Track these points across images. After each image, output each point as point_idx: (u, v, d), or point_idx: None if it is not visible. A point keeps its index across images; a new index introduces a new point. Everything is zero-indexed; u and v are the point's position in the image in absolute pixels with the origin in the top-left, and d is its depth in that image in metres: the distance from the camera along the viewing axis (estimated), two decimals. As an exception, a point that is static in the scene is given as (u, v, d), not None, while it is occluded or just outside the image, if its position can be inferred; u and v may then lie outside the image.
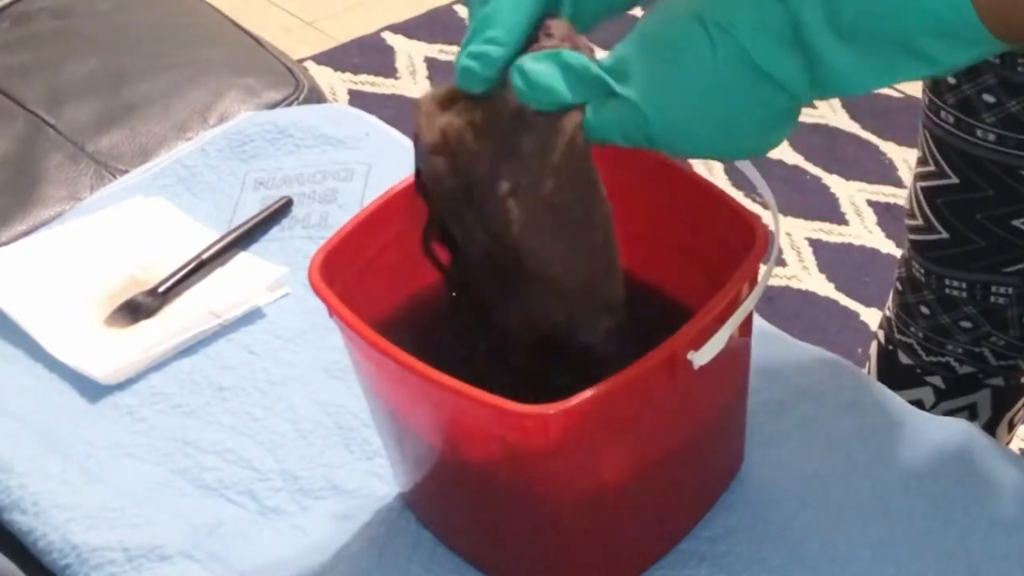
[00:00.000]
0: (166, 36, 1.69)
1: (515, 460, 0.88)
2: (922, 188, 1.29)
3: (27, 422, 1.08)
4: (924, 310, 1.34)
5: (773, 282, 2.15)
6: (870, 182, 2.40)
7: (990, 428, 1.40)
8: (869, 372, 1.43)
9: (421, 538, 1.00)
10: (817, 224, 2.31)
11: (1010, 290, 1.29)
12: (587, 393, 0.82)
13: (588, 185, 0.84)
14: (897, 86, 2.59)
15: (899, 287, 1.36)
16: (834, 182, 2.40)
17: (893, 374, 1.38)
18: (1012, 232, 1.24)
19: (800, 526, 1.00)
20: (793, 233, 2.28)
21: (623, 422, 0.87)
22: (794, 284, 2.21)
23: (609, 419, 0.86)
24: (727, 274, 0.88)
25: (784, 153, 2.44)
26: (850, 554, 0.98)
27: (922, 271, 1.32)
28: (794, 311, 2.14)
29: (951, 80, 1.21)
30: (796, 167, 2.41)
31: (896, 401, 1.10)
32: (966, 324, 1.32)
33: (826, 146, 2.47)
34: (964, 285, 1.30)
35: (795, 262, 2.24)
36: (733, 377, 0.97)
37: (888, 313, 1.40)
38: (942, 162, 1.25)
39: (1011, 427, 1.43)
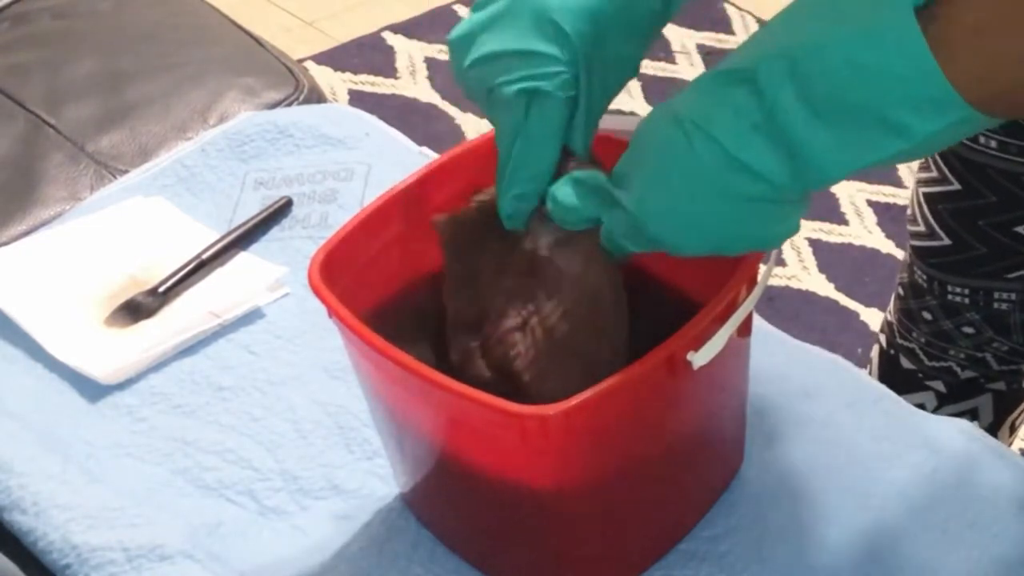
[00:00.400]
0: (166, 36, 1.69)
1: (515, 460, 0.88)
2: (924, 194, 1.29)
3: (27, 422, 1.08)
4: (926, 315, 1.33)
5: (773, 282, 2.15)
6: (870, 182, 2.40)
7: (992, 431, 1.39)
8: (871, 375, 1.43)
9: (421, 538, 1.00)
10: (817, 224, 2.31)
11: (1013, 295, 1.29)
12: (587, 393, 0.82)
13: (601, 310, 0.89)
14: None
15: (901, 292, 1.36)
16: (834, 182, 2.40)
17: (895, 378, 1.38)
18: (1015, 239, 1.24)
19: (800, 526, 1.00)
20: (793, 233, 2.29)
21: (623, 422, 0.87)
22: (794, 284, 2.21)
23: (609, 419, 0.86)
24: (727, 274, 0.88)
25: (784, 153, 2.44)
26: (850, 554, 0.98)
27: (924, 277, 1.32)
28: (794, 311, 2.14)
29: None
30: (796, 167, 2.42)
31: (896, 401, 1.10)
32: (968, 330, 1.32)
33: (826, 146, 2.47)
34: (967, 291, 1.29)
35: (795, 262, 2.24)
36: (733, 377, 0.97)
37: (890, 317, 1.39)
38: (944, 168, 1.25)
39: (1012, 430, 1.43)
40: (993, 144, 1.19)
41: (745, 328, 0.94)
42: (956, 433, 1.07)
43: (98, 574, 0.96)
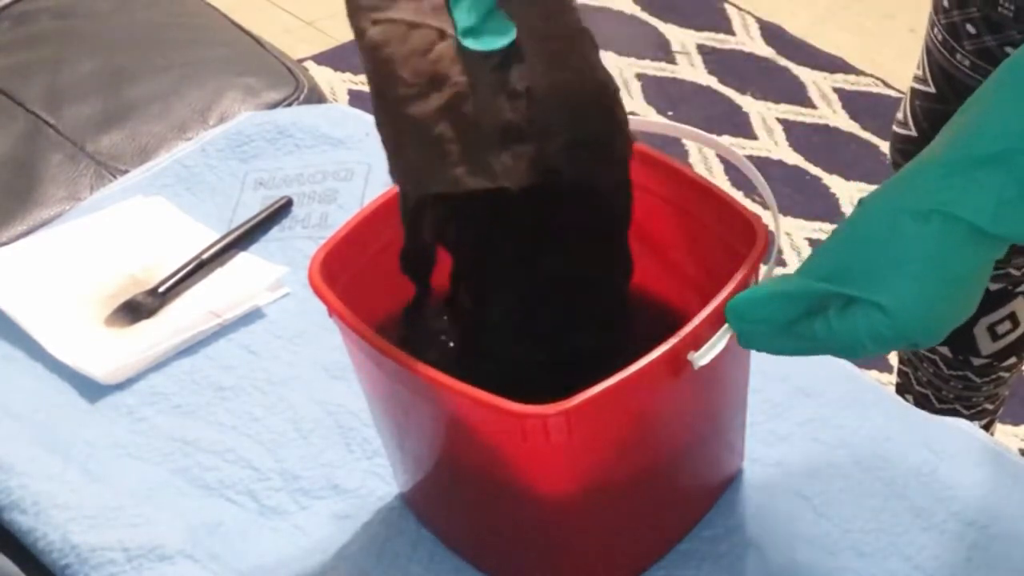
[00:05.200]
0: (166, 36, 1.69)
1: (515, 460, 0.88)
2: (911, 88, 1.40)
3: (27, 422, 1.08)
4: None
5: (773, 282, 2.15)
6: (870, 182, 2.40)
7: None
8: None
9: (421, 538, 1.00)
10: (817, 224, 2.31)
11: None
12: (587, 393, 0.82)
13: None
14: (896, 86, 2.59)
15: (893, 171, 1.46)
16: (834, 182, 2.39)
17: None
18: None
19: (800, 526, 1.00)
20: (793, 233, 2.28)
21: (623, 422, 0.87)
22: (794, 284, 2.21)
23: (609, 419, 0.86)
24: (727, 274, 0.88)
25: (784, 153, 2.44)
26: (850, 554, 0.98)
27: (891, 160, 1.44)
28: (794, 311, 2.14)
29: (945, 3, 1.30)
30: (796, 167, 2.41)
31: (896, 401, 1.10)
32: None
33: (826, 146, 2.46)
34: None
35: (795, 262, 2.23)
36: (733, 377, 0.97)
37: None
38: (927, 71, 1.36)
39: (993, 335, 1.49)
40: (967, 63, 1.30)
41: (745, 328, 0.94)
42: (956, 433, 1.07)
43: (98, 574, 0.96)
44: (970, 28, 1.27)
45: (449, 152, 0.85)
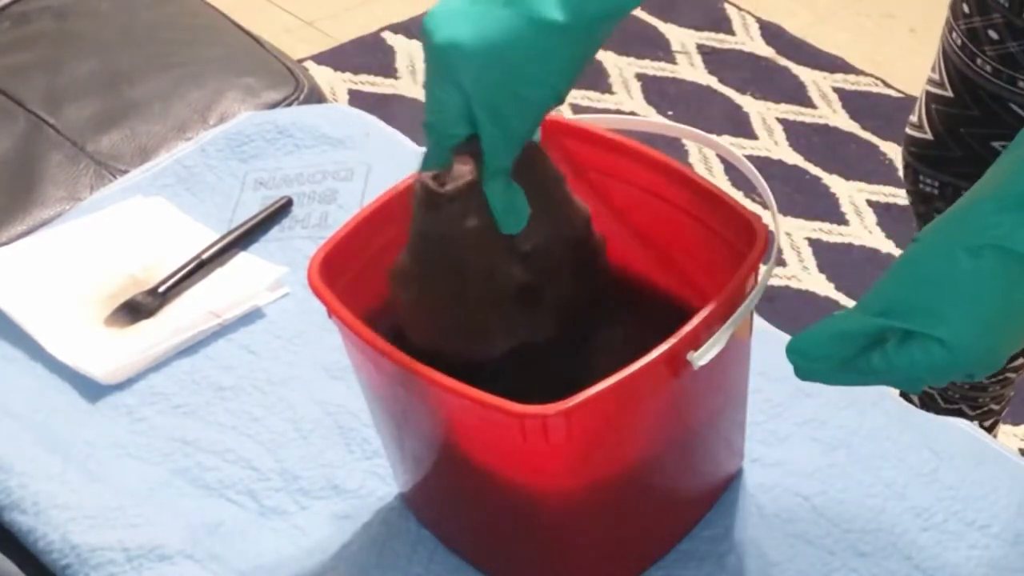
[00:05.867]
0: (166, 36, 1.69)
1: (515, 460, 0.88)
2: (927, 91, 1.39)
3: (27, 422, 1.08)
4: (909, 198, 1.46)
5: (773, 282, 2.15)
6: (870, 182, 2.40)
7: None
8: None
9: (421, 538, 1.00)
10: (817, 224, 2.31)
11: None
12: (587, 393, 0.82)
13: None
14: (896, 85, 2.59)
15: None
16: (834, 182, 2.39)
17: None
18: (989, 152, 1.34)
19: (800, 526, 1.00)
20: (793, 233, 2.28)
21: (623, 422, 0.87)
22: (794, 284, 2.20)
23: (610, 419, 0.86)
24: (727, 274, 0.88)
25: (784, 153, 2.44)
26: (850, 554, 0.98)
27: (904, 162, 1.44)
28: (794, 311, 2.14)
29: (965, 8, 1.30)
30: (796, 167, 2.41)
31: (896, 401, 1.10)
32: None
33: (826, 146, 2.46)
34: (936, 184, 1.40)
35: (795, 262, 2.23)
36: (733, 377, 0.97)
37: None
38: (944, 75, 1.36)
39: None
40: (988, 69, 1.30)
41: (745, 328, 0.94)
42: (956, 433, 1.07)
43: (98, 574, 0.96)
44: (992, 34, 1.28)
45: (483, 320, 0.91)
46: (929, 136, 1.38)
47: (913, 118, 1.42)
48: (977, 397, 1.54)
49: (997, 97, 1.31)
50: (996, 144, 1.33)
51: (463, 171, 0.87)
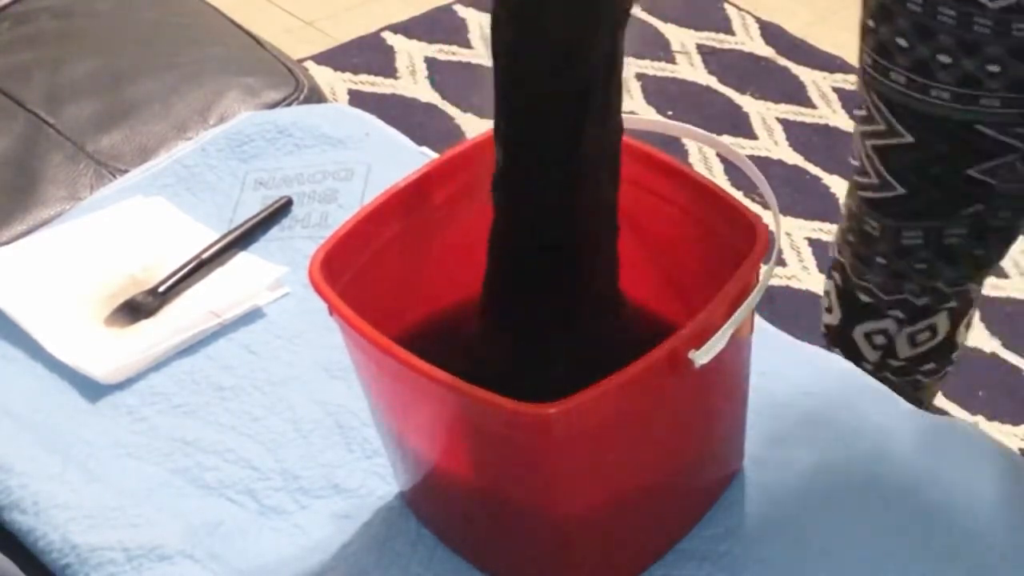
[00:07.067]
0: (166, 36, 1.69)
1: (516, 458, 0.88)
2: (873, 147, 1.32)
3: (27, 422, 1.08)
4: (880, 260, 1.39)
5: (773, 282, 2.15)
6: (870, 182, 2.41)
7: (951, 337, 1.48)
8: (830, 311, 1.49)
9: (421, 537, 1.00)
10: (817, 224, 2.31)
11: (963, 230, 1.34)
12: (588, 392, 0.82)
13: None
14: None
15: (851, 239, 1.41)
16: (834, 182, 2.39)
17: (855, 311, 1.45)
18: (968, 182, 1.29)
19: (800, 526, 1.00)
20: (793, 233, 2.28)
21: (624, 421, 0.87)
22: (794, 284, 2.20)
23: (610, 418, 0.86)
24: (727, 274, 0.88)
25: (784, 153, 2.43)
26: (850, 553, 0.98)
27: (876, 226, 1.36)
28: (794, 311, 2.14)
29: (901, 43, 1.23)
30: (796, 167, 2.41)
31: (896, 401, 1.10)
32: (921, 266, 1.38)
33: (826, 146, 2.46)
34: (919, 233, 1.34)
35: (795, 262, 2.23)
36: (734, 377, 0.97)
37: (840, 258, 1.45)
38: (894, 121, 1.28)
39: (968, 326, 1.51)
40: (946, 95, 1.23)
41: (746, 328, 0.94)
42: (956, 433, 1.07)
43: (98, 574, 0.96)
44: (943, 59, 1.22)
45: None
46: (900, 191, 1.31)
47: (868, 180, 1.34)
48: (904, 387, 1.51)
49: (964, 123, 1.25)
50: (972, 172, 1.28)
51: None
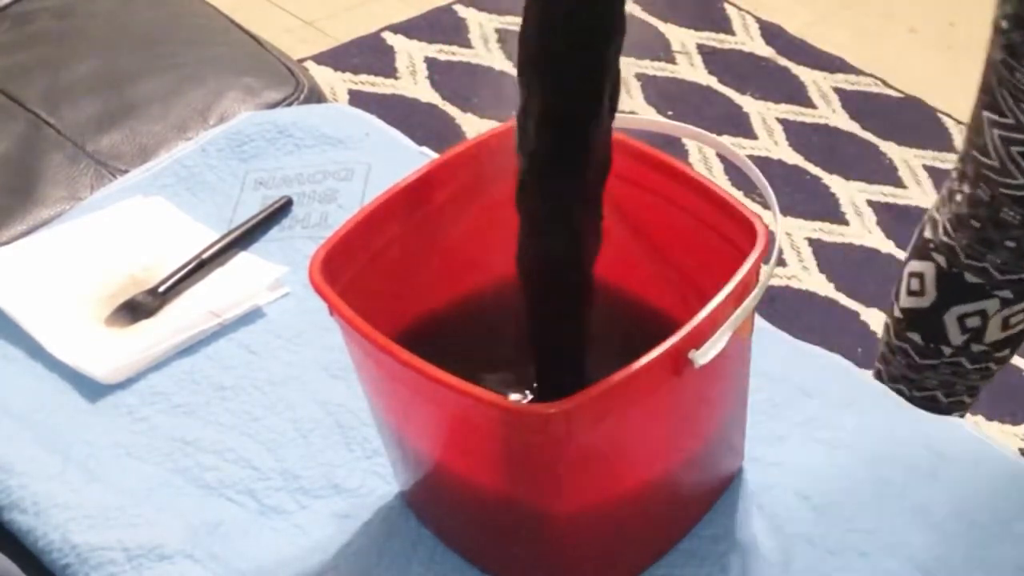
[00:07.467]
0: (166, 36, 1.69)
1: (516, 458, 0.88)
2: (1019, 153, 1.34)
3: (27, 422, 1.08)
4: (1009, 244, 1.42)
5: (773, 282, 2.15)
6: (870, 182, 2.40)
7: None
8: (920, 293, 1.50)
9: (421, 537, 1.00)
10: (817, 224, 2.31)
11: None
12: (588, 393, 0.82)
13: None
14: (896, 85, 2.59)
15: (975, 224, 1.42)
16: (834, 182, 2.39)
17: (956, 292, 1.48)
18: None
19: (800, 526, 1.00)
20: (793, 233, 2.28)
21: (624, 421, 0.87)
22: (794, 284, 2.20)
23: (610, 418, 0.86)
24: (727, 274, 0.88)
25: (784, 153, 2.43)
26: (850, 554, 0.98)
27: (1015, 216, 1.38)
28: (794, 311, 2.14)
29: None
30: (796, 167, 2.41)
31: (896, 401, 1.10)
32: None
33: (826, 146, 2.46)
34: None
35: (795, 262, 2.23)
36: (733, 377, 0.97)
37: (949, 240, 1.46)
38: (1021, 117, 1.31)
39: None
40: None
41: (746, 328, 0.94)
42: (956, 433, 1.07)
43: (98, 574, 0.96)
44: None
45: None
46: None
47: (993, 163, 1.36)
48: (955, 384, 1.54)
49: None
50: None
51: None
